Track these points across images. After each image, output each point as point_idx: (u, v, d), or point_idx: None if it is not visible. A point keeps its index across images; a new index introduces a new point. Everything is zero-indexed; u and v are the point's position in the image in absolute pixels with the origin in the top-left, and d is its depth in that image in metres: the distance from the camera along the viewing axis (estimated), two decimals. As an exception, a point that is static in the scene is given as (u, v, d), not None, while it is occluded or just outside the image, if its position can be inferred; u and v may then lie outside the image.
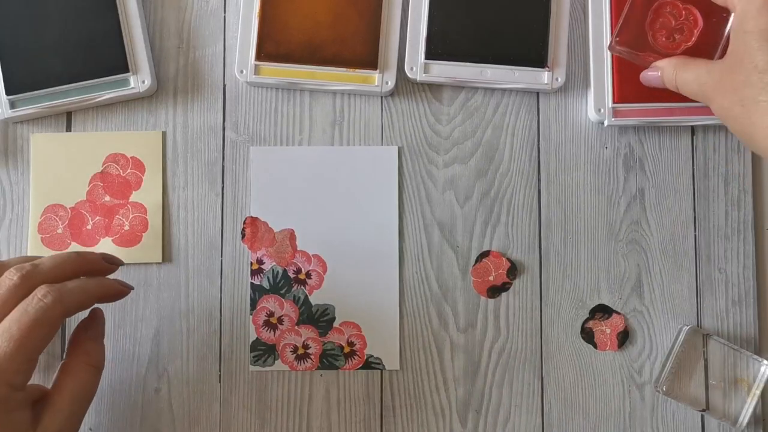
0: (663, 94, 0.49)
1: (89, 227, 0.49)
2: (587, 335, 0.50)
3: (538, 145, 0.51)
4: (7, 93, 0.49)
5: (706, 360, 0.49)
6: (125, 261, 0.49)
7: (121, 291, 0.42)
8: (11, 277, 0.38)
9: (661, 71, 0.45)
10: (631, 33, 0.46)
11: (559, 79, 0.50)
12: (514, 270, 0.50)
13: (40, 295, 0.37)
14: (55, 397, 0.39)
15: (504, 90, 0.51)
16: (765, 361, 0.49)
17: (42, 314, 0.36)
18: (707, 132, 0.51)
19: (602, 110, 0.50)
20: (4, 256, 0.49)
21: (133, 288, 0.43)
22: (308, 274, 0.50)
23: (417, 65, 0.50)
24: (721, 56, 0.43)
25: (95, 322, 0.43)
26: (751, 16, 0.39)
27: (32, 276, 0.38)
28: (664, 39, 0.45)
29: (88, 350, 0.41)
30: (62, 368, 0.40)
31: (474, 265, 0.50)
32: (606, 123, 0.50)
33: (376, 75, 0.50)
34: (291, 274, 0.49)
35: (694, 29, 0.45)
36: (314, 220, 0.50)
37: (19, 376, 0.36)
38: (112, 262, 0.43)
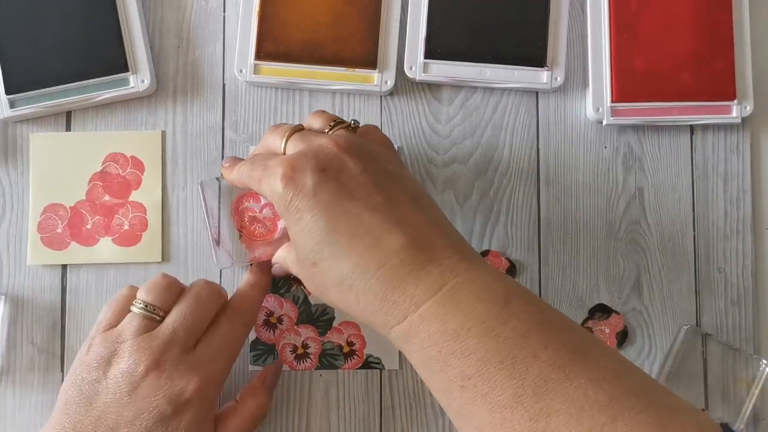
0: (661, 93, 0.50)
1: (89, 227, 0.49)
2: (586, 335, 0.49)
3: (538, 144, 0.51)
4: (7, 92, 0.49)
5: (705, 359, 0.49)
6: (124, 260, 0.49)
7: (269, 284, 0.46)
8: (210, 289, 0.43)
9: (281, 261, 0.44)
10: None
11: (558, 79, 0.50)
12: (513, 269, 0.50)
13: (239, 313, 0.44)
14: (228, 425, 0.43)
15: (503, 89, 0.51)
16: (764, 361, 0.49)
17: (246, 329, 0.44)
18: (706, 131, 0.51)
19: (601, 109, 0.50)
20: (4, 256, 0.49)
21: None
22: (307, 274, 0.49)
23: (416, 65, 0.50)
24: None
25: (272, 371, 0.47)
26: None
27: (222, 292, 0.44)
28: (254, 230, 0.47)
29: (261, 402, 0.44)
30: (233, 408, 0.44)
31: (473, 264, 0.50)
32: (605, 122, 0.50)
33: (375, 74, 0.50)
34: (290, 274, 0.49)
35: (277, 221, 0.47)
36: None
37: (223, 385, 0.43)
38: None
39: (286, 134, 0.40)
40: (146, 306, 0.40)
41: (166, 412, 0.38)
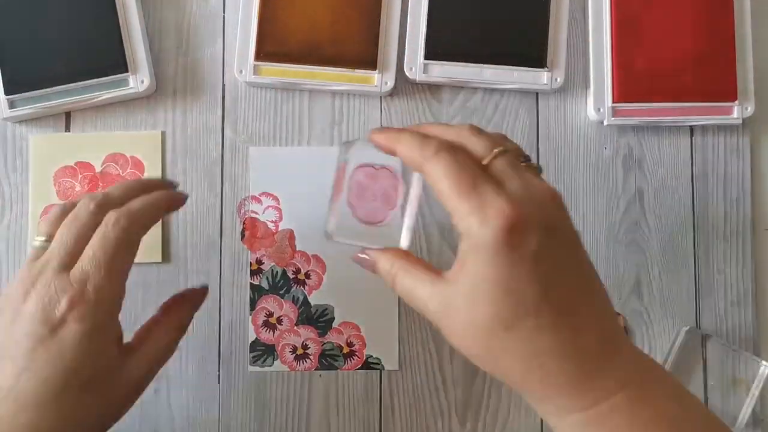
0: (662, 94, 0.49)
1: (88, 227, 0.49)
2: (586, 336, 0.49)
3: (538, 145, 0.51)
4: (6, 93, 0.48)
5: (705, 360, 0.49)
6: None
7: (179, 198, 0.42)
8: (87, 205, 0.39)
9: (376, 262, 0.38)
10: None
11: (559, 80, 0.50)
12: (513, 270, 0.50)
13: (113, 220, 0.38)
14: (143, 347, 0.40)
15: (503, 90, 0.51)
16: (763, 362, 0.49)
17: (123, 235, 0.38)
18: (706, 133, 0.51)
19: (602, 110, 0.50)
20: (3, 256, 0.49)
21: (187, 196, 0.43)
22: (307, 275, 0.49)
23: (416, 65, 0.50)
24: None
25: (198, 295, 0.44)
26: (473, 250, 0.33)
27: (106, 203, 0.39)
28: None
29: (181, 315, 0.42)
30: (152, 322, 0.42)
31: (473, 265, 0.50)
32: (606, 122, 0.50)
33: (375, 75, 0.50)
34: (290, 275, 0.49)
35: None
36: (313, 220, 0.50)
37: (114, 303, 0.38)
38: (170, 184, 0.44)
39: (496, 150, 0.34)
40: (41, 237, 0.39)
41: (42, 333, 0.36)
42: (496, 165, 0.34)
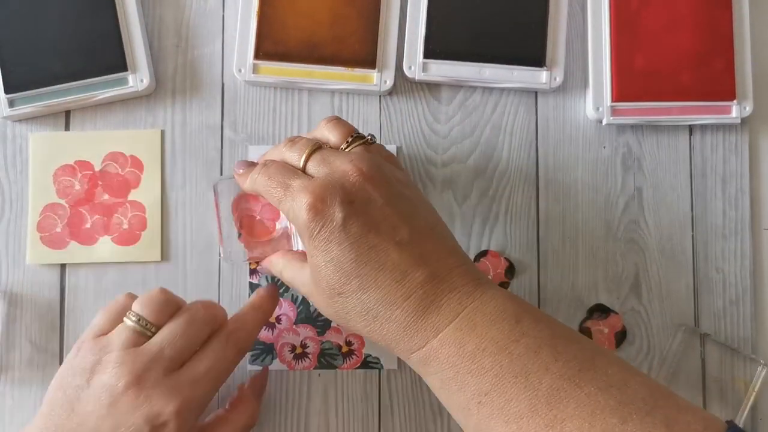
0: (661, 93, 0.50)
1: (88, 226, 0.49)
2: (585, 335, 0.50)
3: (537, 144, 0.51)
4: (6, 91, 0.49)
5: (703, 359, 0.49)
6: (123, 260, 0.49)
7: (275, 292, 0.46)
8: (198, 310, 0.42)
9: (272, 265, 0.45)
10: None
11: (558, 79, 0.50)
12: (512, 269, 0.50)
13: (230, 331, 0.42)
14: None
15: (502, 89, 0.51)
16: (762, 361, 0.49)
17: (237, 354, 0.42)
18: (705, 131, 0.51)
19: (601, 109, 0.50)
20: (3, 255, 0.49)
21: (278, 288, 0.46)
22: (306, 273, 0.49)
23: (415, 64, 0.50)
24: None
25: (258, 381, 0.47)
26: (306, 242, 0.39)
27: (216, 309, 0.43)
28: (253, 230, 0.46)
29: (251, 410, 0.45)
30: (223, 417, 0.44)
31: (472, 264, 0.50)
32: (605, 121, 0.50)
33: (374, 74, 0.50)
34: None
35: (275, 221, 0.46)
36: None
37: (206, 405, 0.42)
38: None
39: (306, 153, 0.40)
40: (139, 320, 0.40)
41: (142, 430, 0.38)
42: (309, 166, 0.40)
